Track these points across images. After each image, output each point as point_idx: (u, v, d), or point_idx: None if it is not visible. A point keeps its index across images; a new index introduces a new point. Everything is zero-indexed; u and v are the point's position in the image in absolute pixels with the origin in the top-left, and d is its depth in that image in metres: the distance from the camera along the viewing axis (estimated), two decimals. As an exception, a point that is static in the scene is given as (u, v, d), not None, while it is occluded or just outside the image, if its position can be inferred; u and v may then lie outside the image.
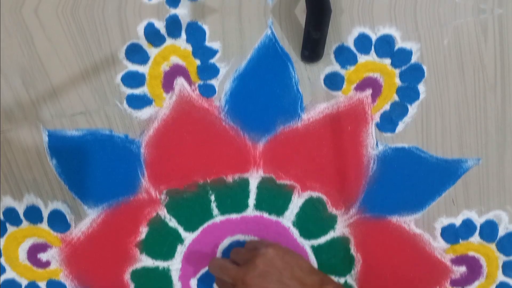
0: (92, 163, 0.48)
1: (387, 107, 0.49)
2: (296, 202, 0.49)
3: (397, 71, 0.48)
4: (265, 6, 0.47)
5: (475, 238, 0.49)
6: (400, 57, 0.47)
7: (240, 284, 0.43)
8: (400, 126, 0.49)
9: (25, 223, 0.49)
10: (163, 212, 0.49)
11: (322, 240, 0.49)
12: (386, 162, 0.49)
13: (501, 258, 0.49)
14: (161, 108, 0.48)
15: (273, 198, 0.49)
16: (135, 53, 0.47)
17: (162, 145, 0.48)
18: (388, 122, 0.48)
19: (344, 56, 0.48)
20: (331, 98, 0.48)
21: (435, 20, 0.47)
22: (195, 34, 0.47)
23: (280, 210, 0.49)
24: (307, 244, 0.49)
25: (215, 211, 0.49)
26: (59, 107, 0.48)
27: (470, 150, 0.49)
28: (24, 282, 0.49)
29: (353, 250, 0.49)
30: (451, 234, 0.49)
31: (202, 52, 0.48)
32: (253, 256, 0.44)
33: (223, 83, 0.48)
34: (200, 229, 0.49)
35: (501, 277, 0.49)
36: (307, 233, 0.49)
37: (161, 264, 0.49)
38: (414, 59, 0.48)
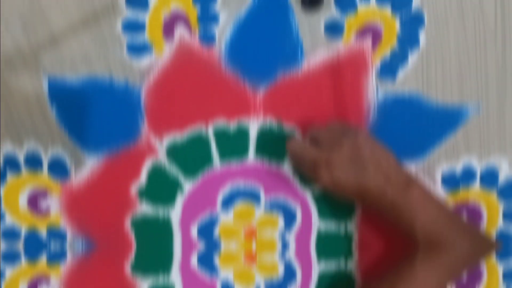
0: (92, 110, 0.50)
1: (387, 54, 0.50)
2: (296, 149, 0.50)
3: (397, 19, 0.49)
4: (265, -48, 0.49)
5: (476, 185, 0.51)
6: (400, 4, 0.53)
7: (324, 165, 0.45)
8: (401, 74, 0.50)
9: (25, 170, 0.50)
10: (163, 159, 0.50)
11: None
12: (387, 110, 0.50)
13: (502, 206, 0.50)
14: (161, 56, 0.50)
15: (274, 145, 0.51)
16: (135, 0, 0.48)
17: (162, 93, 0.50)
18: (389, 70, 0.50)
19: (345, 4, 0.50)
20: (331, 46, 0.50)
21: (435, -34, 0.48)
22: (195, -19, 0.49)
23: (280, 157, 0.50)
24: (307, 192, 0.50)
25: (216, 158, 0.50)
26: (59, 54, 0.50)
27: (471, 96, 0.51)
28: (24, 229, 0.51)
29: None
30: (452, 181, 0.51)
31: (202, -1, 0.49)
32: (340, 138, 0.46)
33: (223, 31, 0.50)
34: (201, 176, 0.50)
35: (501, 225, 0.50)
36: (307, 180, 0.50)
37: (161, 211, 0.50)
38: (414, 6, 0.50)
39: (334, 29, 0.52)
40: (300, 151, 0.47)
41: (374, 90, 0.52)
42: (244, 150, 0.52)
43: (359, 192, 0.45)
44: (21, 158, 0.52)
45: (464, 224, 0.48)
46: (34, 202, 0.52)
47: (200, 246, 0.52)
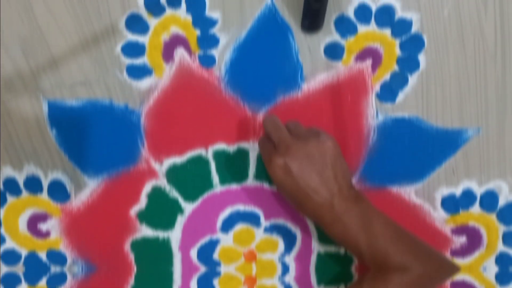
0: (92, 133, 0.50)
1: (387, 77, 0.50)
2: (296, 172, 0.50)
3: (397, 41, 0.50)
4: (265, -24, 0.49)
5: (475, 208, 0.51)
6: (400, 27, 0.50)
7: (283, 148, 0.44)
8: (400, 96, 0.50)
9: (25, 193, 0.51)
10: (163, 182, 0.50)
11: (322, 210, 0.50)
12: (386, 132, 0.50)
13: (502, 228, 0.51)
14: (161, 78, 0.50)
15: (273, 168, 0.50)
16: (135, 23, 0.49)
17: (162, 115, 0.50)
18: (388, 92, 0.50)
19: (344, 26, 0.50)
20: (331, 68, 0.50)
21: (435, -10, 0.48)
22: (195, 4, 0.50)
23: (280, 180, 0.50)
24: (307, 214, 0.50)
25: (215, 181, 0.50)
26: (59, 77, 0.50)
27: (471, 119, 0.50)
28: (24, 252, 0.51)
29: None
30: (451, 204, 0.51)
31: (202, 22, 0.49)
32: (310, 136, 0.45)
33: (223, 53, 0.50)
34: (200, 199, 0.50)
35: (501, 247, 0.51)
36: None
37: (161, 234, 0.51)
38: (414, 29, 0.50)
39: (334, 52, 0.52)
40: (272, 126, 0.47)
41: (374, 113, 0.52)
42: (244, 172, 0.53)
43: (304, 193, 0.44)
44: (21, 181, 0.52)
45: (422, 246, 0.46)
46: (34, 225, 0.52)
47: (200, 269, 0.52)
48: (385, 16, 0.51)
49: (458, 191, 0.52)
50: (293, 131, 0.47)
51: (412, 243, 0.46)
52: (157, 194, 0.52)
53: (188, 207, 0.53)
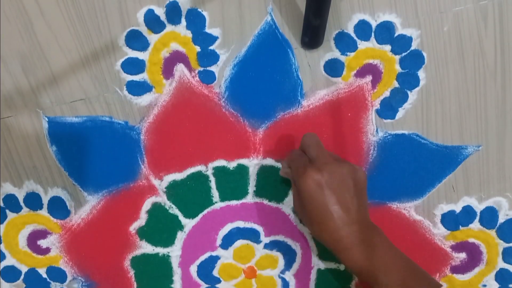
0: (92, 150, 0.50)
1: (387, 93, 0.50)
2: (296, 189, 0.50)
3: (397, 58, 0.50)
4: (265, -7, 0.49)
5: (475, 225, 0.51)
6: (400, 44, 0.49)
7: (321, 163, 0.44)
8: (400, 113, 0.50)
9: (25, 210, 0.51)
10: (163, 199, 0.50)
11: (322, 226, 0.51)
12: (386, 149, 0.50)
13: (501, 245, 0.51)
14: (161, 95, 0.50)
15: (273, 184, 0.51)
16: (135, 40, 0.49)
17: (162, 132, 0.50)
18: (388, 109, 0.50)
19: (344, 43, 0.50)
20: (331, 85, 0.50)
21: (435, 7, 0.49)
22: (195, 21, 0.49)
23: (280, 196, 0.51)
24: (306, 231, 0.51)
25: (215, 197, 0.50)
26: (59, 94, 0.50)
27: (470, 136, 0.50)
28: (24, 268, 0.51)
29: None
30: (451, 221, 0.51)
31: (202, 38, 0.49)
32: (347, 163, 0.46)
33: (223, 70, 0.50)
34: (200, 215, 0.51)
35: (501, 264, 0.51)
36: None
37: (161, 250, 0.51)
38: (414, 45, 0.50)
39: (334, 68, 0.52)
40: (312, 142, 0.47)
41: (373, 129, 0.52)
42: (244, 189, 0.53)
43: (328, 212, 0.43)
44: (21, 198, 0.52)
45: (433, 280, 0.47)
46: (34, 241, 0.53)
47: (200, 285, 0.53)
48: (385, 32, 0.51)
49: (458, 207, 0.53)
50: (329, 154, 0.48)
51: (423, 276, 0.46)
52: (157, 211, 0.53)
53: (188, 224, 0.53)
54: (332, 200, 0.43)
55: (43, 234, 0.53)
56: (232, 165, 0.52)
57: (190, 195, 0.53)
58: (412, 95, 0.52)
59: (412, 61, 0.52)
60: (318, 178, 0.44)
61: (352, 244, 0.44)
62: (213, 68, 0.52)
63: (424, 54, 0.51)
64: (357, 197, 0.45)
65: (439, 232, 0.53)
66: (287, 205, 0.53)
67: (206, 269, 0.53)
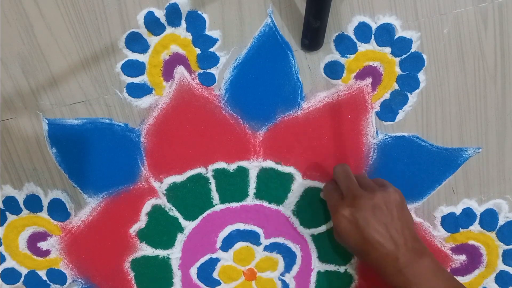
0: (92, 152, 0.51)
1: (387, 95, 0.51)
2: (296, 191, 0.51)
3: (397, 60, 0.50)
4: (265, -5, 0.49)
5: (475, 227, 0.51)
6: (400, 46, 0.50)
7: (350, 199, 0.45)
8: (400, 115, 0.51)
9: (25, 212, 0.51)
10: (163, 201, 0.51)
11: (322, 229, 0.52)
12: (386, 151, 0.51)
13: (501, 247, 0.51)
14: (161, 97, 0.50)
15: (273, 187, 0.51)
16: (135, 42, 0.49)
17: (162, 134, 0.50)
18: (388, 111, 0.51)
19: (344, 45, 0.50)
20: (331, 87, 0.51)
21: (435, 9, 0.49)
22: (195, 23, 0.49)
23: (280, 199, 0.51)
24: (307, 233, 0.51)
25: (215, 199, 0.51)
26: (59, 96, 0.51)
27: (470, 138, 0.51)
28: (24, 271, 0.52)
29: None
30: (451, 223, 0.51)
31: (202, 40, 0.50)
32: (377, 187, 0.46)
33: (223, 72, 0.50)
34: (200, 217, 0.51)
35: (501, 266, 0.52)
36: (307, 222, 0.51)
37: (161, 253, 0.51)
38: (414, 48, 0.50)
39: (334, 70, 0.53)
40: (342, 175, 0.48)
41: (373, 131, 0.53)
42: (244, 191, 0.53)
43: (368, 245, 0.44)
44: (21, 200, 0.53)
45: None
46: (34, 243, 0.53)
47: (200, 287, 0.53)
48: (385, 35, 0.51)
49: (458, 210, 0.53)
50: (361, 182, 0.48)
51: None
52: (157, 213, 0.53)
53: (188, 226, 0.53)
54: (368, 233, 0.44)
55: (43, 236, 0.53)
56: (232, 167, 0.53)
57: (190, 197, 0.53)
58: (412, 97, 0.52)
59: (412, 63, 0.52)
60: (349, 215, 0.44)
61: (398, 271, 0.44)
62: (213, 70, 0.52)
63: (424, 56, 0.52)
64: (396, 220, 0.45)
65: (439, 234, 0.53)
66: (287, 207, 0.53)
67: (206, 272, 0.53)
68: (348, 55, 0.52)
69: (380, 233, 0.44)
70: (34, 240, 0.53)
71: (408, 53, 0.52)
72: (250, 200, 0.53)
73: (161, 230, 0.53)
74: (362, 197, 0.45)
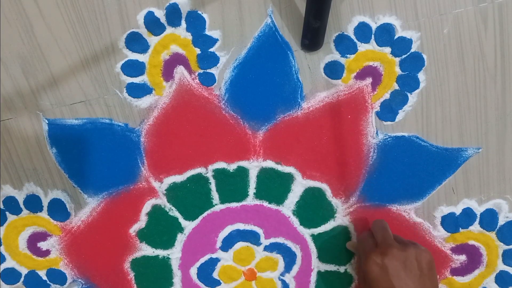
0: (92, 152, 0.51)
1: (387, 95, 0.51)
2: (296, 191, 0.51)
3: (397, 60, 0.51)
4: (265, -5, 0.50)
5: (475, 227, 0.52)
6: (400, 46, 0.50)
7: (384, 247, 0.46)
8: (400, 115, 0.51)
9: (25, 212, 0.51)
10: (163, 201, 0.51)
11: (322, 229, 0.52)
12: (386, 151, 0.51)
13: (501, 247, 0.52)
14: (161, 97, 0.51)
15: (273, 187, 0.51)
16: (135, 42, 0.50)
17: (162, 134, 0.51)
18: (388, 111, 0.51)
19: (344, 45, 0.50)
20: (331, 87, 0.51)
21: (435, 9, 0.49)
22: (195, 23, 0.50)
23: (280, 199, 0.51)
24: (307, 233, 0.52)
25: (215, 199, 0.51)
26: (59, 96, 0.51)
27: (470, 138, 0.51)
28: (24, 270, 0.52)
29: (353, 239, 0.51)
30: (451, 223, 0.51)
31: (202, 40, 0.50)
32: (410, 243, 0.47)
33: (223, 72, 0.51)
34: (200, 217, 0.51)
35: (501, 266, 0.52)
36: (307, 222, 0.52)
37: (161, 253, 0.51)
38: (414, 48, 0.50)
39: (334, 70, 0.53)
40: (380, 227, 0.49)
41: (373, 131, 0.53)
42: (244, 191, 0.54)
43: None
44: (21, 200, 0.53)
45: None
46: (34, 243, 0.53)
47: (200, 287, 0.53)
48: (385, 35, 0.52)
49: (458, 210, 0.53)
50: (396, 238, 0.49)
51: None
52: (157, 213, 0.53)
53: (188, 226, 0.54)
54: (397, 282, 0.45)
55: (43, 236, 0.53)
56: (232, 167, 0.53)
57: (190, 197, 0.53)
58: (412, 97, 0.53)
59: (412, 63, 0.52)
60: (380, 261, 0.45)
61: None
62: (213, 70, 0.53)
63: (424, 56, 0.52)
64: (426, 277, 0.46)
65: (439, 234, 0.54)
66: (287, 207, 0.54)
67: (206, 272, 0.54)
68: (348, 55, 0.52)
69: (407, 285, 0.45)
70: (34, 240, 0.53)
71: (408, 53, 0.52)
72: (250, 200, 0.54)
73: (161, 230, 0.53)
74: (395, 248, 0.46)
